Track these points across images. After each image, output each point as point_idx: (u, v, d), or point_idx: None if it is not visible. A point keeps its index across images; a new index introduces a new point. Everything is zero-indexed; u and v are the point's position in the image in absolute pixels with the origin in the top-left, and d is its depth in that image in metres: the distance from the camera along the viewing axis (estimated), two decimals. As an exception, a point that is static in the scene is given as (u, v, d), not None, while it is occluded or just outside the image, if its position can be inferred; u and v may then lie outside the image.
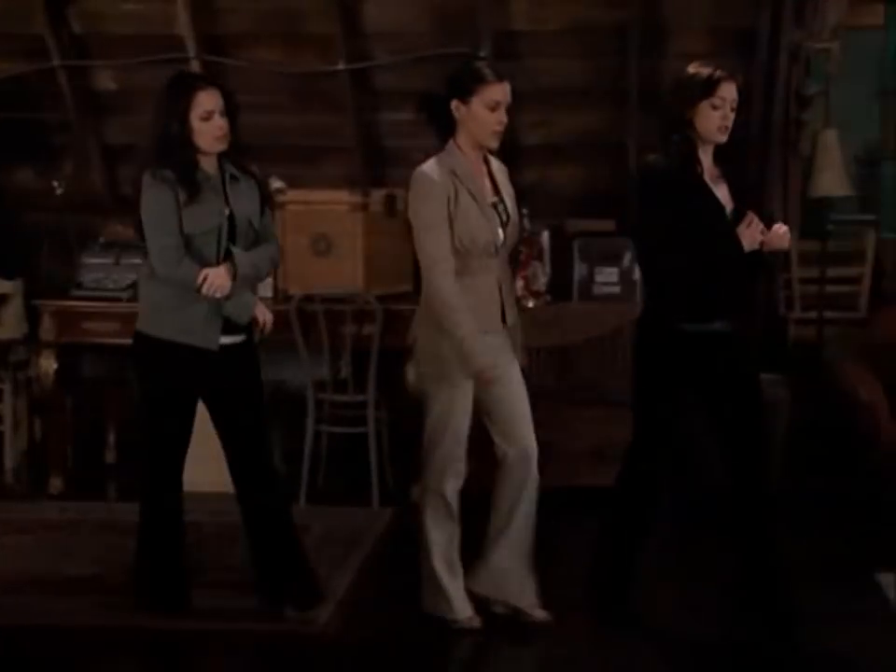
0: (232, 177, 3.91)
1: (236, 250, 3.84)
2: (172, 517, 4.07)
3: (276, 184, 5.71)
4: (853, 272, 6.53)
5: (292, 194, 5.54)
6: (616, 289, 5.62)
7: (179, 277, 3.79)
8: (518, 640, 3.98)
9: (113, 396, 6.16)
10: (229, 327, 3.91)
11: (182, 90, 3.82)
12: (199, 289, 3.77)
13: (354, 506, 5.39)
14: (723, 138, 3.75)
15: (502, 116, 3.76)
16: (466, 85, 3.76)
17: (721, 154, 3.83)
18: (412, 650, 3.90)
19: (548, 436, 5.48)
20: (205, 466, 5.27)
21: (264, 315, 4.04)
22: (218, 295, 3.77)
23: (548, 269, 5.76)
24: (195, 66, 5.79)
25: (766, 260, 3.90)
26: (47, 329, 5.62)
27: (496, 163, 3.93)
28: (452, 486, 3.91)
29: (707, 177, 3.78)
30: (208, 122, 3.78)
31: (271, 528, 4.04)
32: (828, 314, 6.29)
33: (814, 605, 3.99)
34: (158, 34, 5.77)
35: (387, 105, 6.00)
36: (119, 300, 5.57)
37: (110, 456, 6.16)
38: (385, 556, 4.80)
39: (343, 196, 5.44)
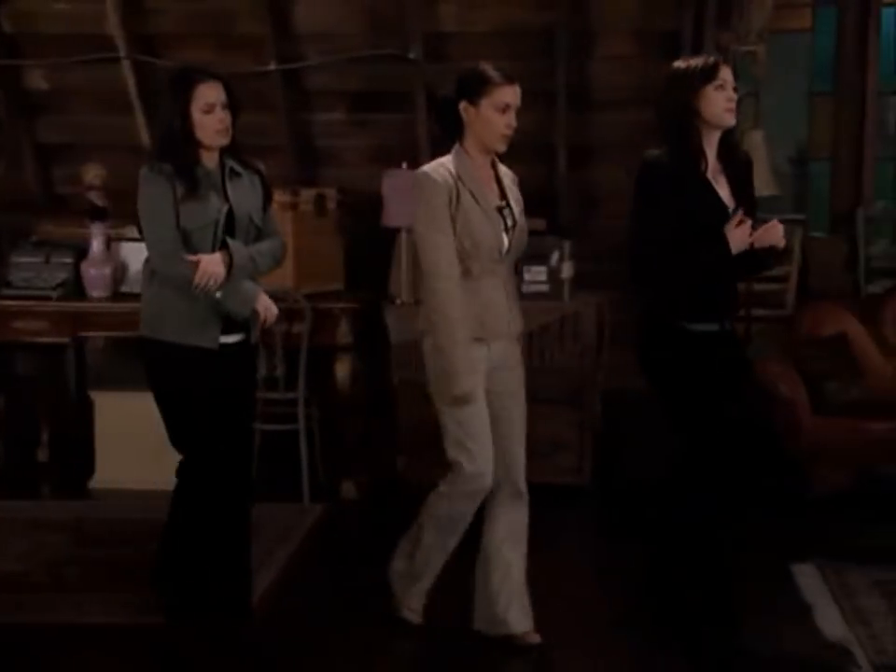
0: (233, 172, 3.86)
1: (232, 242, 3.78)
2: (203, 518, 3.92)
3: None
4: (781, 270, 6.64)
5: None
6: (544, 287, 5.69)
7: (176, 272, 3.73)
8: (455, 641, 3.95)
9: (45, 394, 6.16)
10: (228, 326, 3.86)
11: (183, 83, 3.76)
12: (193, 280, 3.69)
13: (286, 502, 5.43)
14: (732, 120, 3.70)
15: (511, 119, 3.67)
16: (475, 86, 3.67)
17: (724, 145, 3.76)
18: (331, 644, 3.94)
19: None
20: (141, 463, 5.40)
21: (266, 309, 3.92)
22: (212, 283, 3.70)
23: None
24: (125, 67, 5.82)
25: (764, 261, 3.80)
26: (-24, 328, 5.63)
27: (503, 168, 3.83)
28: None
29: (710, 174, 3.71)
30: (209, 115, 3.72)
31: (234, 531, 3.97)
32: (757, 311, 6.41)
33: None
34: (89, 33, 5.80)
35: (320, 106, 6.07)
36: (48, 298, 5.58)
37: (42, 455, 6.15)
38: (313, 552, 4.84)
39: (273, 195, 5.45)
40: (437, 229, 3.62)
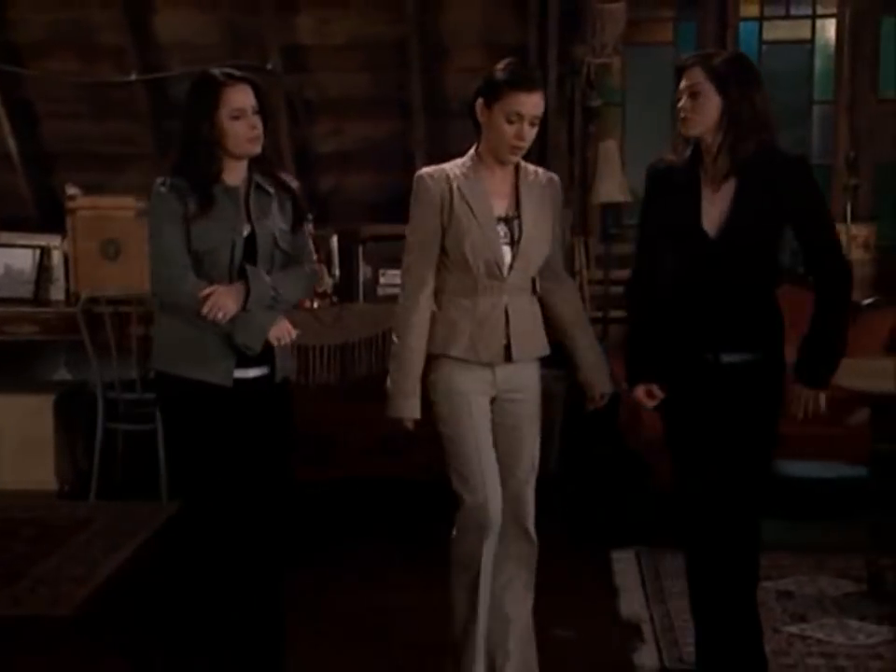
0: (260, 189, 3.40)
1: (252, 269, 3.34)
2: (215, 576, 3.45)
3: (71, 191, 5.91)
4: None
5: (81, 200, 5.74)
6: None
7: (179, 300, 3.32)
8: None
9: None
10: (245, 359, 3.37)
11: (208, 88, 3.35)
12: (199, 311, 3.27)
13: (147, 500, 5.58)
14: (688, 131, 3.23)
15: (523, 130, 3.23)
16: (491, 86, 3.27)
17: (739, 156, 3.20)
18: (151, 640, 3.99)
19: (332, 431, 5.86)
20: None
21: (278, 339, 3.39)
22: (220, 317, 3.25)
23: (336, 271, 6.04)
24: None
25: None
26: None
27: (532, 174, 3.39)
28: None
29: (707, 184, 3.25)
30: (239, 122, 3.30)
31: (257, 607, 3.48)
32: (616, 313, 6.66)
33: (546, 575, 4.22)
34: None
35: (185, 115, 6.22)
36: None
37: None
38: (156, 548, 4.97)
39: (131, 202, 5.64)
40: (419, 237, 3.33)
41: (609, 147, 6.45)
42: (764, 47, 7.25)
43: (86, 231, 5.65)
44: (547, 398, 4.26)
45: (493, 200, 3.33)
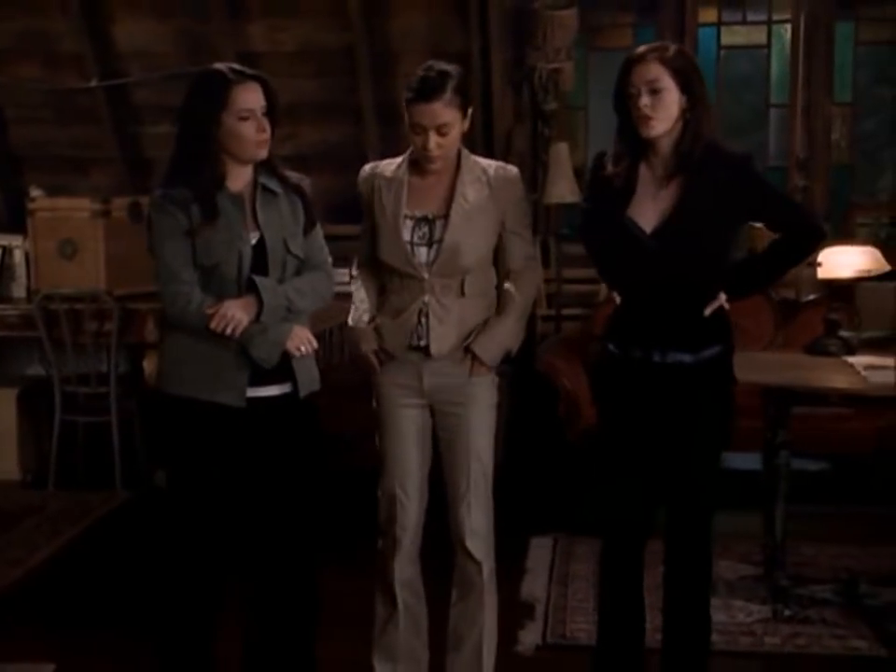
0: (267, 192, 3.16)
1: (260, 279, 3.10)
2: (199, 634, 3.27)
3: (34, 192, 6.16)
4: (591, 272, 7.05)
5: (41, 202, 5.97)
6: (349, 288, 6.09)
7: (188, 319, 3.09)
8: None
9: None
10: (260, 376, 3.12)
11: (214, 86, 3.05)
12: (208, 325, 3.05)
13: (102, 489, 5.81)
14: (650, 132, 3.08)
15: (428, 140, 3.18)
16: (407, 94, 3.23)
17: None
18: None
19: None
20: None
21: (298, 344, 3.15)
22: (229, 332, 3.03)
23: (290, 270, 6.25)
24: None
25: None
26: None
27: (476, 174, 3.31)
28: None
29: (651, 181, 3.15)
30: (247, 123, 3.05)
31: (279, 649, 3.29)
32: (570, 311, 6.84)
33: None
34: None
35: (148, 119, 6.47)
36: None
37: None
38: (100, 534, 5.20)
39: (86, 203, 5.87)
40: (362, 223, 3.42)
41: (560, 150, 6.61)
42: (722, 52, 7.41)
43: (45, 231, 5.87)
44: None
45: (417, 199, 3.29)
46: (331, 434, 6.09)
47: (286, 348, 3.11)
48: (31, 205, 5.91)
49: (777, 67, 7.36)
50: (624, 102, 3.08)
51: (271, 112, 3.11)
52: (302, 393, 3.19)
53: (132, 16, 6.09)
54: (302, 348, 3.14)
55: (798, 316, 6.22)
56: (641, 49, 3.10)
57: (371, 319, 3.36)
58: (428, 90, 3.17)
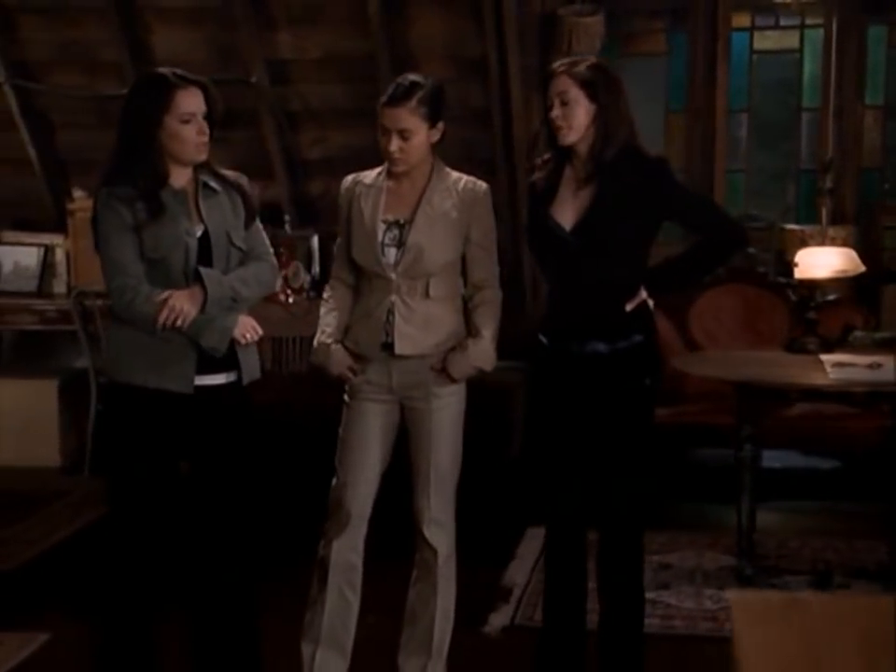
0: (208, 188, 3.31)
1: (205, 270, 3.23)
2: (137, 631, 3.38)
3: (77, 194, 6.48)
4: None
5: (81, 202, 6.29)
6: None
7: (135, 312, 3.19)
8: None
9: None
10: (207, 364, 3.26)
11: (157, 89, 3.21)
12: (156, 319, 3.16)
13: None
14: (563, 140, 3.35)
15: (390, 142, 3.47)
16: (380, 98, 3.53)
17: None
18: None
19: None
20: None
21: (244, 332, 3.29)
22: (179, 323, 3.15)
23: (316, 268, 6.49)
24: (6, 91, 6.55)
25: None
26: None
27: (446, 185, 3.53)
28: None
29: (571, 184, 3.41)
30: (188, 126, 3.20)
31: (220, 648, 3.42)
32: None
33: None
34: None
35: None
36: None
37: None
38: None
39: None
40: (340, 234, 3.63)
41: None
42: (755, 56, 7.49)
43: (84, 230, 6.09)
44: (505, 388, 4.47)
45: (391, 205, 3.51)
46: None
47: (233, 336, 3.25)
48: (70, 206, 6.23)
49: (809, 71, 7.41)
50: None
51: (210, 116, 3.27)
52: (246, 380, 3.34)
53: (167, 26, 6.36)
54: (248, 335, 3.28)
55: (819, 314, 6.28)
56: (556, 64, 3.38)
57: (337, 341, 3.55)
58: (396, 95, 3.46)
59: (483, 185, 3.56)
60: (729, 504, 5.19)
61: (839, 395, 4.02)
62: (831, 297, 6.44)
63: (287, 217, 6.47)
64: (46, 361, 6.81)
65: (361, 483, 3.53)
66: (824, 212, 6.85)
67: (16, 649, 3.85)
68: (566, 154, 3.39)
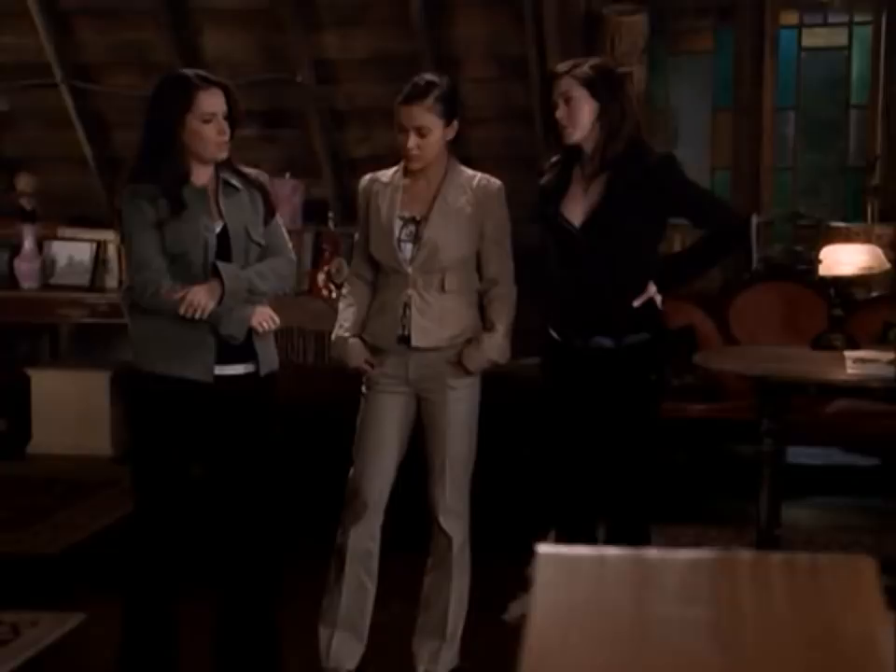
0: (229, 186, 3.43)
1: (222, 265, 3.34)
2: (159, 615, 3.49)
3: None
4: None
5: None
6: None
7: (157, 305, 3.32)
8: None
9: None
10: (226, 354, 3.37)
11: (180, 90, 3.33)
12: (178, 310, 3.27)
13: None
14: (568, 139, 3.47)
15: (407, 140, 3.55)
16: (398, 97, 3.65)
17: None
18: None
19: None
20: None
21: (261, 321, 3.41)
22: (197, 316, 3.25)
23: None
24: (63, 91, 6.75)
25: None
26: None
27: (461, 182, 3.62)
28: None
29: (580, 180, 3.51)
30: (209, 125, 3.32)
31: (242, 632, 3.49)
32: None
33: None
34: (33, 62, 6.74)
35: (234, 123, 6.91)
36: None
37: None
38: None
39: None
40: (359, 231, 3.75)
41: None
42: (803, 53, 7.49)
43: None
44: (523, 385, 4.51)
45: (407, 202, 3.62)
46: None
47: (251, 325, 3.37)
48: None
49: (857, 69, 7.39)
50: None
51: (231, 116, 3.40)
52: (263, 371, 3.45)
53: (217, 27, 6.53)
54: (265, 324, 3.40)
55: (856, 314, 6.28)
56: (558, 66, 3.50)
57: (354, 335, 3.66)
58: (413, 94, 3.58)
59: (496, 182, 3.66)
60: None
61: (859, 390, 4.04)
62: (872, 294, 6.46)
63: (330, 214, 6.60)
64: (98, 354, 7.01)
65: (378, 473, 3.63)
66: (870, 209, 6.86)
67: (51, 628, 4.01)
68: (574, 155, 3.48)
